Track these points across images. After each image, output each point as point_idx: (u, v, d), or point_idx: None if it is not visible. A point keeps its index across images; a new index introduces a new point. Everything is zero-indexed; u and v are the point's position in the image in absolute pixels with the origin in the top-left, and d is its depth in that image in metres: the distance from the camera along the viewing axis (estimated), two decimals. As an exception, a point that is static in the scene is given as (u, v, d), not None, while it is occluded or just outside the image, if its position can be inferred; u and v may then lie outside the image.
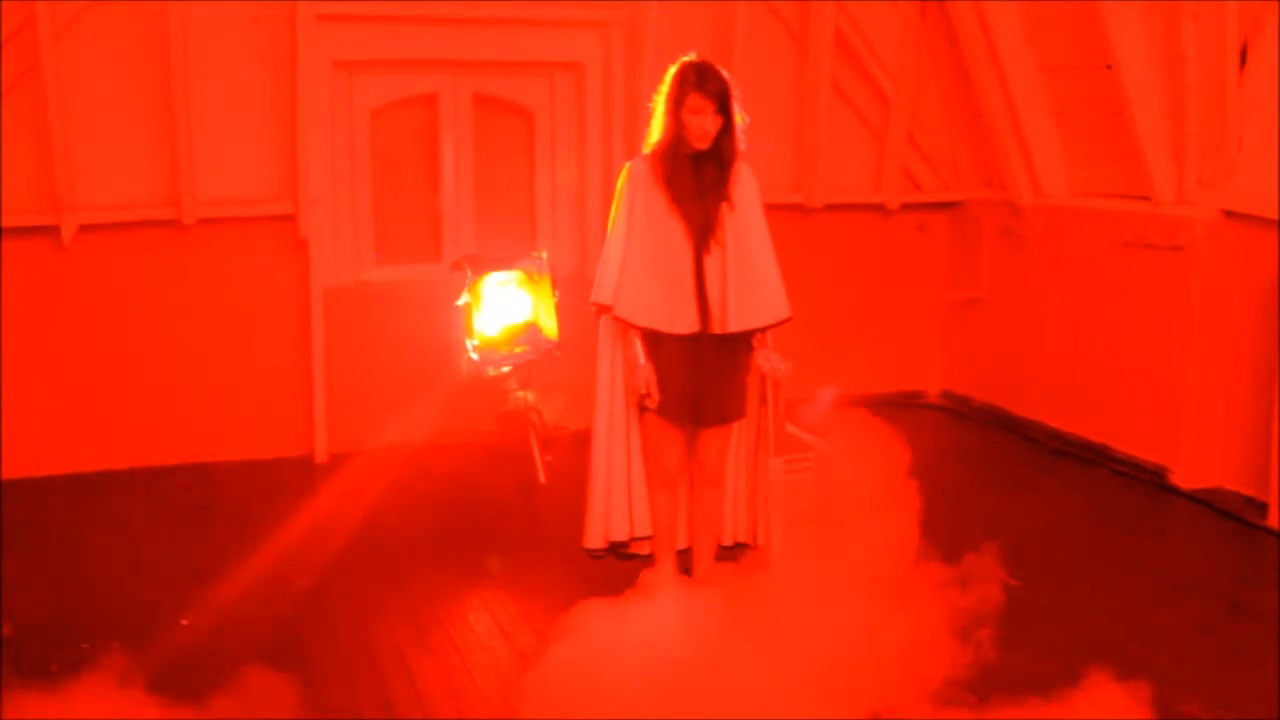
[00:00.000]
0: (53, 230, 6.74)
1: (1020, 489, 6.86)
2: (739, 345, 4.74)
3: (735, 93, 4.59)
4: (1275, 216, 6.21)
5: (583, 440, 5.06)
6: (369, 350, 7.39)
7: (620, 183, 4.76)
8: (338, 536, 5.82)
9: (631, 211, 4.68)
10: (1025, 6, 7.50)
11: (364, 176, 7.54)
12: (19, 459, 6.72)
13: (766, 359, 4.75)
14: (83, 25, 6.65)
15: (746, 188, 4.71)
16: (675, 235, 4.62)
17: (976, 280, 8.45)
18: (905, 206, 8.53)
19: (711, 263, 4.63)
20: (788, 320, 4.78)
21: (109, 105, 6.83)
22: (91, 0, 6.63)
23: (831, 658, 4.01)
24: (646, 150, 4.73)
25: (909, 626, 4.35)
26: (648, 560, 4.91)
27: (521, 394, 6.36)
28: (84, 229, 6.78)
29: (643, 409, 4.74)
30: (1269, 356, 6.18)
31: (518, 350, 6.26)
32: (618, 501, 4.84)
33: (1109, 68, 6.92)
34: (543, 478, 6.15)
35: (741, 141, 4.63)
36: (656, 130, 4.65)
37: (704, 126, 4.53)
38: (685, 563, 4.92)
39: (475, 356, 6.22)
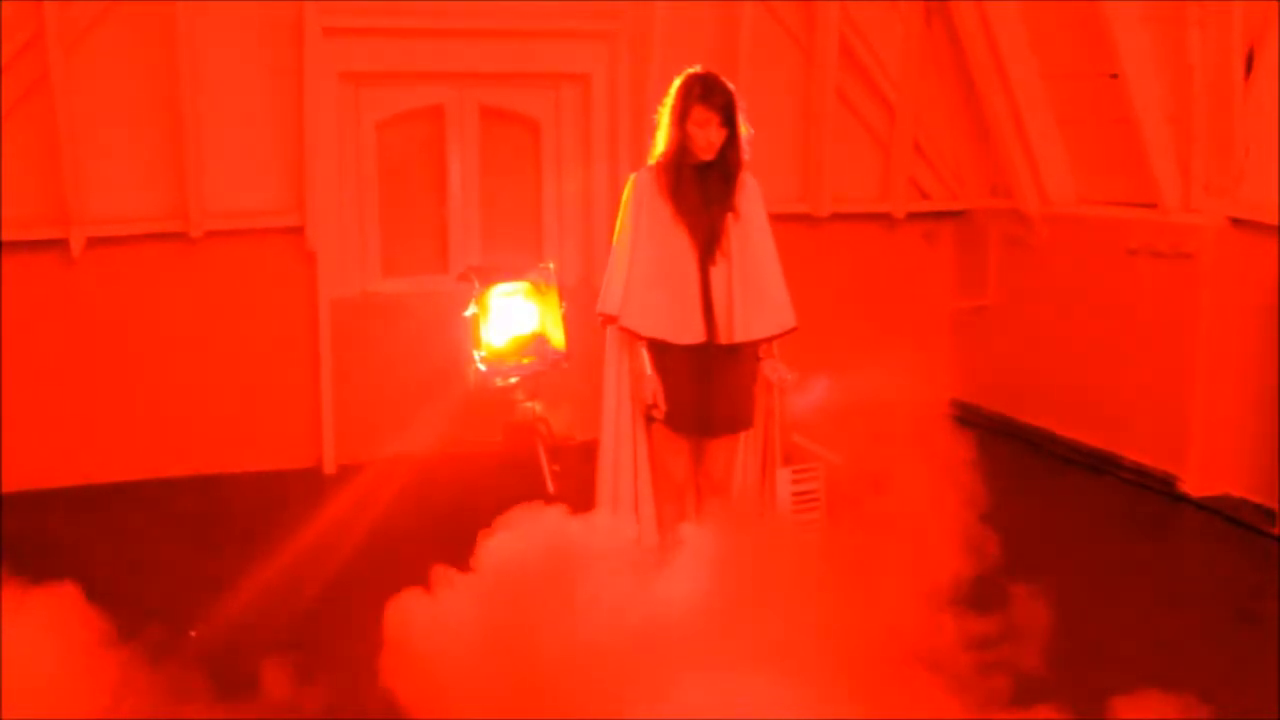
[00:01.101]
0: (61, 244, 6.77)
1: (1028, 497, 6.85)
2: (745, 355, 4.74)
3: (740, 104, 4.60)
4: (1282, 223, 6.22)
5: (590, 450, 5.06)
6: (377, 361, 7.40)
7: (626, 194, 4.77)
8: (346, 547, 5.83)
9: (637, 222, 4.70)
10: (1030, 13, 7.51)
11: (371, 188, 7.56)
12: (27, 471, 6.74)
13: (773, 369, 4.76)
14: (91, 38, 6.67)
15: (751, 198, 4.72)
16: (681, 246, 4.64)
17: (983, 289, 8.45)
18: (911, 216, 8.53)
19: (717, 273, 4.64)
20: (794, 330, 4.79)
21: (117, 118, 6.85)
22: (101, 7, 6.66)
23: (835, 661, 3.99)
24: (651, 161, 4.74)
25: (914, 630, 4.34)
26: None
27: (529, 404, 6.37)
28: (92, 242, 6.80)
29: (650, 419, 4.75)
30: (1276, 363, 6.18)
31: (525, 361, 6.27)
32: (625, 512, 4.84)
33: (1114, 76, 6.93)
34: (550, 488, 6.15)
35: (746, 152, 4.65)
36: (661, 141, 4.67)
37: (709, 139, 4.54)
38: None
39: (483, 367, 6.23)
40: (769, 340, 4.76)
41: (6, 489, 6.64)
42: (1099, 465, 7.25)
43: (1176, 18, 6.56)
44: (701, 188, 4.63)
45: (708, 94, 4.53)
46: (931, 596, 4.60)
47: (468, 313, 6.31)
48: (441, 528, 6.25)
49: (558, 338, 6.36)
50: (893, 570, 4.59)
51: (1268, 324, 6.26)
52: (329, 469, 7.33)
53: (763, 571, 4.14)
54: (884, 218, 8.49)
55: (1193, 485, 6.69)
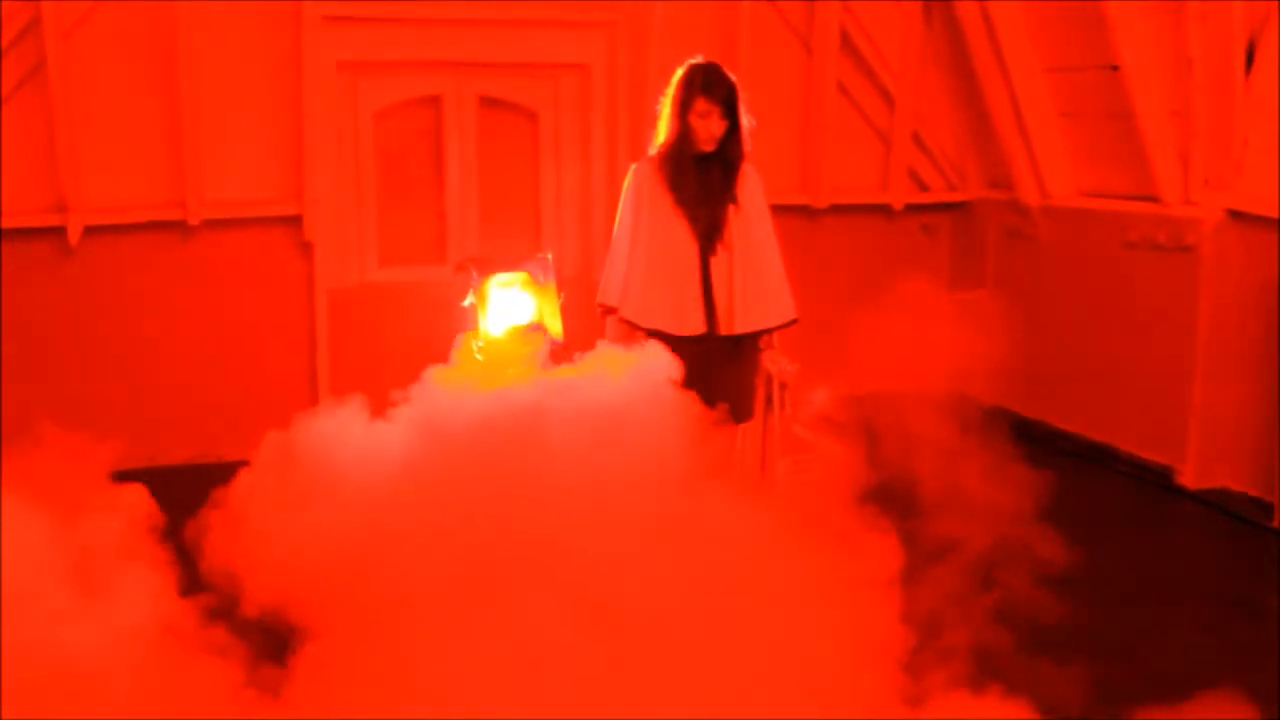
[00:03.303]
0: (58, 231, 6.75)
1: (1025, 489, 6.84)
2: (745, 347, 4.74)
3: (742, 95, 4.59)
4: (1281, 217, 6.22)
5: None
6: (374, 351, 7.39)
7: (626, 184, 4.76)
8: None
9: (637, 213, 4.69)
10: (1031, 6, 7.50)
11: (369, 178, 7.54)
12: (25, 460, 6.73)
13: (773, 360, 4.75)
14: (89, 26, 6.65)
15: (752, 189, 4.71)
16: (681, 237, 4.63)
17: (982, 281, 8.44)
18: (910, 207, 8.52)
19: (718, 264, 4.64)
20: (794, 322, 4.79)
21: (115, 106, 6.83)
22: (98, 1, 6.64)
23: (819, 655, 3.96)
24: (652, 152, 4.73)
25: (908, 625, 4.33)
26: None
27: (527, 395, 6.35)
28: (89, 230, 6.79)
29: (649, 410, 4.74)
30: (1275, 356, 6.18)
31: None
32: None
33: (1115, 68, 6.92)
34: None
35: (748, 144, 4.64)
36: (662, 132, 4.66)
37: (710, 130, 4.54)
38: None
39: (480, 357, 6.21)
40: (769, 332, 4.75)
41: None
42: (1096, 457, 7.26)
43: (1177, 11, 6.55)
44: (702, 179, 4.62)
45: (710, 85, 4.52)
46: (919, 587, 4.59)
47: (465, 303, 6.30)
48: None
49: (556, 328, 6.34)
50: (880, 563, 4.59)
51: (1267, 317, 6.26)
52: (326, 458, 7.31)
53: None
54: (883, 209, 8.48)
55: (1190, 478, 6.70)
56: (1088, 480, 7.02)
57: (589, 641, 3.34)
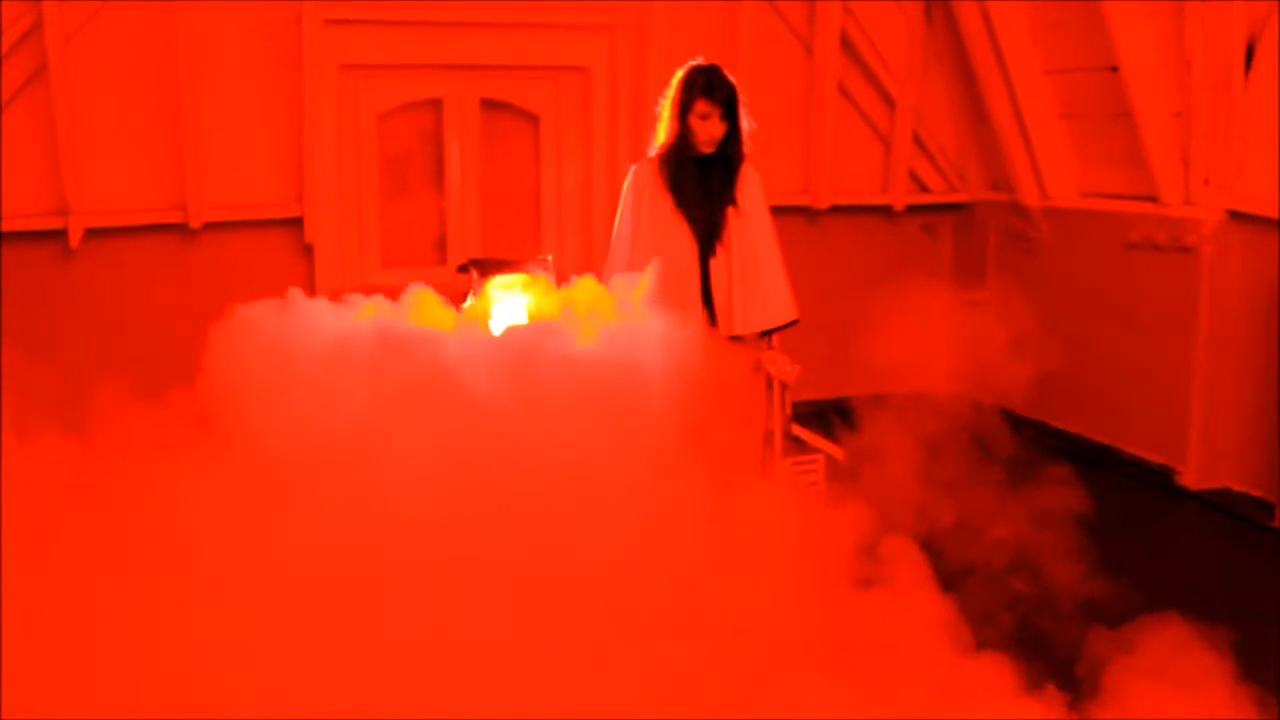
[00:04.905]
0: (59, 234, 6.76)
1: (1025, 491, 6.84)
2: (745, 348, 4.73)
3: (742, 97, 4.59)
4: (1281, 217, 6.22)
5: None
6: (375, 353, 7.39)
7: (625, 186, 4.76)
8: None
9: (637, 215, 4.69)
10: (1031, 8, 7.51)
11: (370, 180, 7.55)
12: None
13: (774, 361, 4.75)
14: (91, 29, 6.66)
15: (753, 191, 4.71)
16: (681, 239, 4.63)
17: (983, 282, 8.44)
18: (911, 209, 8.53)
19: (717, 266, 4.64)
20: (795, 323, 4.79)
21: (116, 109, 6.84)
22: (100, 4, 6.65)
23: (816, 656, 3.95)
24: (652, 154, 4.73)
25: (909, 626, 4.33)
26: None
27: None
28: (90, 233, 6.80)
29: (649, 412, 4.74)
30: (1275, 356, 6.18)
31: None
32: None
33: (1115, 69, 6.92)
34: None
35: (748, 145, 4.64)
36: (662, 134, 4.66)
37: (711, 132, 4.54)
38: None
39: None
40: (770, 333, 4.76)
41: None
42: (1098, 458, 7.25)
43: (1177, 12, 6.56)
44: (702, 181, 4.62)
45: (710, 87, 4.52)
46: (921, 589, 4.59)
47: (466, 304, 6.29)
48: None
49: (558, 331, 6.33)
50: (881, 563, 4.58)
51: (1267, 317, 6.26)
52: (328, 460, 7.31)
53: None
54: (884, 211, 8.49)
55: (1192, 478, 6.70)
56: (1089, 481, 7.01)
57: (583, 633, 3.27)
